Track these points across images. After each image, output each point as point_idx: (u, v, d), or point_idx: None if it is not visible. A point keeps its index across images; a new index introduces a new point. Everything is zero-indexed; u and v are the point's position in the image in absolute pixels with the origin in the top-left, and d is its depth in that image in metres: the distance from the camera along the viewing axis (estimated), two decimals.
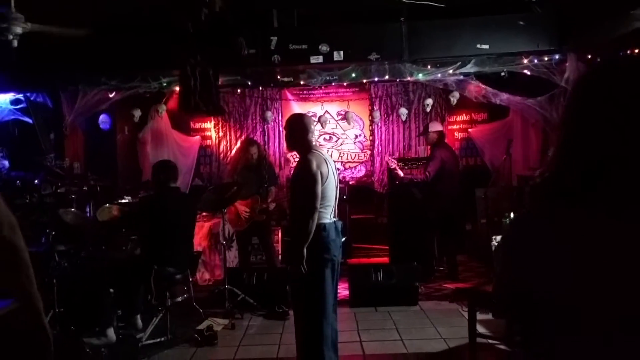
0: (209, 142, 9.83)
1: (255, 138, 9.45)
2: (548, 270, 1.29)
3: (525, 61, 6.56)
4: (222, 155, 9.77)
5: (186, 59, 5.29)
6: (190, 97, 5.27)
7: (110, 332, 5.26)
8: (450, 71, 6.79)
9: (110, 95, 7.19)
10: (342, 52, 6.32)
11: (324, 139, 9.53)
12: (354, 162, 9.78)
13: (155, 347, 5.24)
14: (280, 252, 8.40)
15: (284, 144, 9.48)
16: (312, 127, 4.46)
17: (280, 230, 8.57)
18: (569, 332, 1.26)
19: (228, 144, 9.74)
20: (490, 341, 5.04)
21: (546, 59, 6.47)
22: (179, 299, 5.92)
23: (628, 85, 1.32)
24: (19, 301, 1.79)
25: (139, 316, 5.64)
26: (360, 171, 9.78)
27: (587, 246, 1.24)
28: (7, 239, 1.75)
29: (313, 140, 4.41)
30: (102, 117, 8.29)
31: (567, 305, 1.26)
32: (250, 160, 7.12)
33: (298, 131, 4.35)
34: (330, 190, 4.22)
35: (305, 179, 4.12)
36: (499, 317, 5.43)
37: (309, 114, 7.72)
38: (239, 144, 8.82)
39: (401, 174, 7.68)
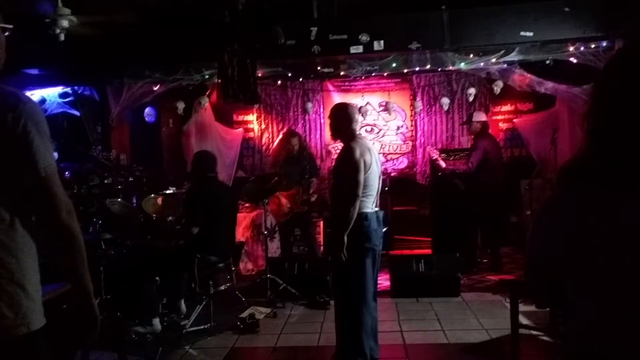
0: (251, 134, 9.92)
1: (296, 130, 9.49)
2: (573, 245, 1.34)
3: (571, 48, 6.39)
4: (264, 147, 9.85)
5: (224, 48, 5.35)
6: (228, 86, 5.33)
7: (156, 322, 5.38)
8: (494, 60, 6.68)
9: (155, 88, 7.34)
10: (382, 42, 6.28)
11: (366, 130, 9.49)
12: (396, 153, 9.72)
13: (198, 334, 5.33)
14: (322, 244, 8.45)
15: (326, 136, 9.52)
16: (357, 116, 4.46)
17: (322, 222, 8.60)
18: (592, 296, 1.34)
19: (270, 136, 9.81)
20: (533, 332, 4.97)
21: (593, 46, 6.30)
22: (222, 288, 6.01)
23: None
24: (71, 283, 1.92)
25: (182, 301, 5.77)
26: (403, 163, 9.72)
27: (612, 226, 1.28)
28: (65, 223, 1.83)
29: (357, 129, 4.42)
30: (148, 110, 8.45)
31: (589, 274, 1.33)
32: (292, 152, 7.16)
33: (342, 119, 4.36)
34: (373, 180, 4.22)
35: (348, 166, 4.13)
36: (541, 308, 5.34)
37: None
38: (280, 135, 8.87)
39: (443, 164, 7.61)
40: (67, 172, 6.68)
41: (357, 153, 4.11)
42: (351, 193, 4.07)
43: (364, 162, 4.12)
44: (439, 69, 7.73)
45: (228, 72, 5.30)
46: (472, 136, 7.85)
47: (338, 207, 4.21)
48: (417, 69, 7.25)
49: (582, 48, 6.34)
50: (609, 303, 1.30)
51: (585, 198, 1.32)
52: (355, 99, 9.40)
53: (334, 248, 4.13)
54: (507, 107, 9.47)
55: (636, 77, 1.31)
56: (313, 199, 7.39)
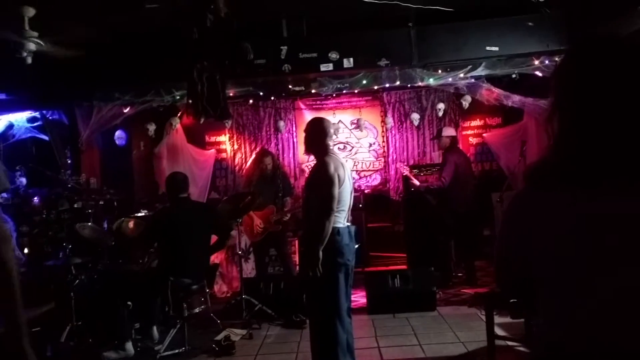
0: (224, 155, 9.89)
1: (269, 149, 9.48)
2: (540, 242, 1.37)
3: (536, 62, 6.53)
4: (237, 167, 9.82)
5: (193, 65, 5.35)
6: (198, 103, 5.32)
7: (129, 346, 5.29)
8: (461, 75, 6.78)
9: (125, 111, 7.28)
10: (351, 59, 6.34)
11: (338, 148, 9.52)
12: (369, 170, 9.77)
13: (173, 358, 5.25)
14: (297, 263, 8.40)
15: (299, 155, 9.53)
16: (331, 131, 4.47)
17: (297, 241, 8.56)
18: (559, 294, 1.36)
19: (243, 157, 9.80)
20: (509, 343, 5.00)
21: (557, 59, 6.43)
22: (197, 310, 5.92)
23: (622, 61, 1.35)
24: (6, 323, 1.78)
25: (155, 327, 5.68)
26: (376, 179, 9.77)
27: (578, 223, 1.31)
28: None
29: (331, 144, 4.43)
30: (118, 133, 8.38)
31: (556, 272, 1.35)
32: (265, 171, 7.14)
33: (317, 134, 4.36)
34: (346, 195, 4.23)
35: (322, 181, 4.13)
36: (517, 318, 5.38)
37: None
38: (253, 155, 8.85)
39: (417, 182, 7.66)
40: (35, 197, 6.57)
41: (332, 167, 4.12)
42: (326, 207, 4.07)
43: (338, 176, 4.13)
44: (409, 85, 7.81)
45: (197, 88, 5.29)
46: (442, 151, 7.92)
47: (312, 221, 4.19)
48: (387, 85, 7.31)
49: (546, 62, 6.47)
50: (576, 301, 1.31)
51: (551, 196, 1.35)
52: (327, 117, 9.43)
53: (309, 263, 4.10)
54: (476, 122, 9.60)
55: (585, 72, 1.36)
56: (287, 218, 7.36)
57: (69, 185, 6.57)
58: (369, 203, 9.03)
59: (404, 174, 7.82)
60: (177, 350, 5.33)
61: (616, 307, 1.26)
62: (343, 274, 4.18)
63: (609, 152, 1.30)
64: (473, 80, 6.98)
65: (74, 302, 5.12)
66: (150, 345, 5.55)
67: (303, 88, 7.17)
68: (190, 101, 5.47)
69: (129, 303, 5.49)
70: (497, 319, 4.83)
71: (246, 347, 5.55)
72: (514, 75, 6.92)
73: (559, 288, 1.34)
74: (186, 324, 5.49)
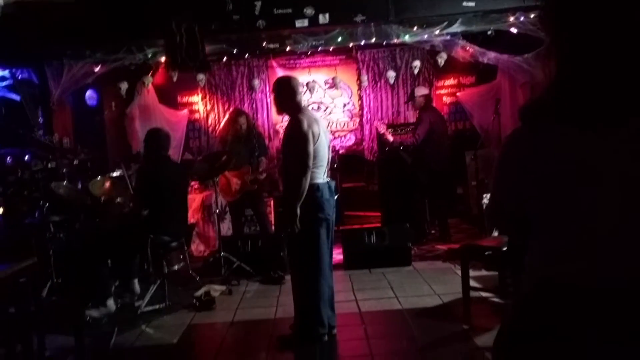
0: (197, 115, 9.78)
1: (243, 109, 9.42)
2: (536, 179, 1.38)
3: (512, 18, 6.53)
4: (210, 128, 9.73)
5: (170, 16, 5.25)
6: (176, 54, 5.24)
7: (110, 302, 5.32)
8: (437, 32, 6.77)
9: (96, 69, 7.13)
10: (327, 15, 6.27)
11: (312, 108, 9.49)
12: (343, 130, 9.78)
13: (153, 313, 5.29)
14: (273, 223, 8.44)
15: (273, 115, 9.48)
16: (300, 88, 4.48)
17: (272, 201, 8.59)
18: (551, 230, 1.38)
19: (216, 117, 9.70)
20: (483, 294, 5.14)
21: (532, 15, 6.44)
22: (176, 268, 5.97)
23: None
24: None
25: (136, 281, 5.71)
26: (350, 140, 9.79)
27: (577, 162, 1.32)
28: None
29: (301, 101, 4.43)
30: (89, 93, 8.23)
31: (550, 208, 1.36)
32: (239, 132, 7.09)
33: (286, 93, 4.35)
34: (322, 150, 4.25)
35: (297, 138, 4.14)
36: (491, 270, 5.53)
37: None
38: (227, 115, 8.78)
39: (391, 138, 7.71)
40: (8, 158, 6.44)
41: (305, 124, 4.13)
42: (302, 164, 4.09)
43: (312, 133, 4.14)
44: (384, 43, 7.78)
45: (176, 39, 5.21)
46: (417, 110, 7.96)
47: (290, 179, 4.21)
48: (363, 42, 7.28)
49: (521, 18, 6.48)
50: (573, 238, 1.35)
51: (546, 136, 1.35)
52: (301, 77, 9.38)
53: (288, 219, 4.14)
54: (450, 81, 9.64)
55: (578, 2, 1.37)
56: (262, 177, 7.36)
57: (43, 145, 6.45)
58: (344, 163, 9.07)
59: (380, 132, 7.85)
60: (157, 306, 5.38)
61: (613, 242, 1.30)
62: (324, 229, 4.24)
63: (604, 88, 1.31)
64: (449, 37, 6.98)
65: (53, 260, 5.09)
66: (130, 301, 5.57)
67: (277, 45, 7.09)
68: (168, 52, 5.37)
69: (109, 261, 5.50)
70: (472, 272, 4.94)
71: (226, 302, 5.61)
72: (489, 32, 6.95)
73: (555, 226, 1.37)
74: (166, 280, 5.52)
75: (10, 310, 3.62)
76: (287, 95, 4.35)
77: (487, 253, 4.93)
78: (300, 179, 4.09)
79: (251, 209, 7.46)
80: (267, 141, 9.30)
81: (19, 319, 3.73)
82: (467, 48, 7.34)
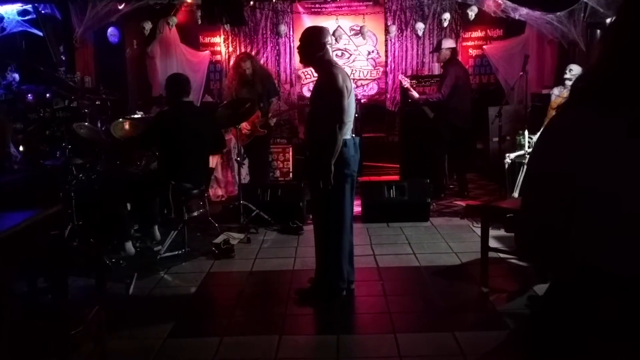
0: (218, 57, 9.63)
1: (265, 53, 9.30)
2: (595, 162, 1.31)
3: None
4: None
5: None
6: (213, 7, 5.08)
7: (129, 246, 5.38)
8: None
9: (120, 7, 7.02)
10: None
11: (336, 55, 9.31)
12: (366, 79, 9.63)
13: (173, 259, 5.35)
14: (291, 170, 8.46)
15: (295, 61, 9.32)
16: (329, 40, 4.35)
17: (291, 149, 8.57)
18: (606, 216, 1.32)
19: None
20: (501, 255, 5.12)
21: None
22: (195, 214, 5.99)
23: None
24: None
25: (156, 227, 5.76)
26: (373, 89, 9.65)
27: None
28: None
29: (331, 55, 4.33)
30: (111, 30, 8.11)
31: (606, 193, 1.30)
32: (245, 76, 7.01)
33: (317, 45, 4.21)
34: (352, 106, 4.18)
35: (333, 93, 4.05)
36: (511, 232, 5.50)
37: None
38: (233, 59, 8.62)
39: (416, 95, 7.57)
40: (29, 95, 6.42)
41: (340, 79, 4.04)
42: (337, 120, 4.02)
43: (346, 88, 4.07)
44: None
45: None
46: (441, 63, 7.80)
47: (323, 134, 4.11)
48: None
49: None
50: (622, 229, 1.30)
51: (607, 117, 1.29)
52: (327, 22, 9.17)
53: (321, 175, 4.09)
54: (477, 34, 9.40)
55: None
56: (272, 122, 7.30)
57: (65, 84, 6.40)
58: (365, 113, 8.96)
59: (404, 86, 7.71)
60: (176, 252, 5.43)
61: None
62: (349, 185, 4.22)
63: None
64: None
65: (74, 202, 5.13)
66: (150, 245, 5.64)
67: None
68: (204, 5, 5.18)
69: (128, 204, 5.55)
70: (491, 232, 4.92)
71: (244, 250, 5.65)
72: None
73: (604, 214, 1.33)
74: (186, 227, 5.56)
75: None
76: (317, 47, 4.20)
77: (508, 215, 4.90)
78: (335, 134, 4.02)
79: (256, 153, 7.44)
80: (288, 87, 9.23)
81: (43, 261, 3.78)
82: (499, 2, 7.11)
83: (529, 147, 6.09)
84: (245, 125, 6.94)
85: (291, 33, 9.34)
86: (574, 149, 1.34)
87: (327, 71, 4.14)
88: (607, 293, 1.31)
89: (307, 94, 8.66)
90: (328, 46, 4.26)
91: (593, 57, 1.40)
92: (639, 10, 1.31)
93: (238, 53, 9.08)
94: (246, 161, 7.55)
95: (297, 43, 4.75)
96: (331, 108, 4.05)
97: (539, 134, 1.50)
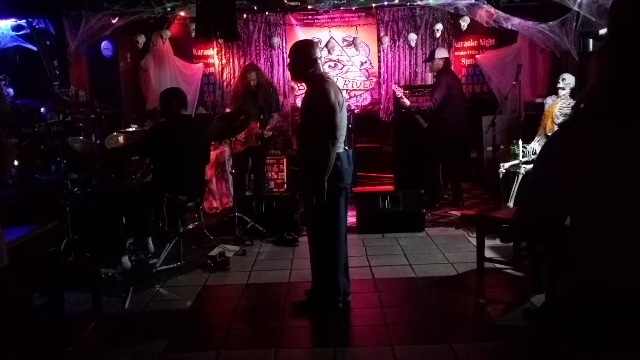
0: (211, 69, 9.67)
1: (259, 65, 9.32)
2: (591, 178, 1.35)
3: None
4: (225, 83, 9.64)
5: None
6: (207, 22, 5.09)
7: (125, 260, 5.36)
8: None
9: (114, 21, 7.04)
10: None
11: (329, 66, 9.37)
12: (359, 90, 9.67)
13: (168, 272, 5.33)
14: (286, 181, 8.47)
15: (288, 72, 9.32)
16: (319, 53, 4.32)
17: (285, 160, 8.59)
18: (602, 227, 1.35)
19: (231, 72, 9.60)
20: (497, 266, 5.14)
21: None
22: (190, 227, 5.99)
23: None
24: None
25: (150, 239, 5.74)
26: (366, 99, 9.69)
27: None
28: None
29: (322, 68, 4.33)
30: (105, 44, 8.13)
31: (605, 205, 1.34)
32: (249, 87, 7.06)
33: (307, 59, 4.18)
34: (344, 120, 4.18)
35: (325, 110, 4.02)
36: (507, 242, 5.52)
37: (315, 40, 7.59)
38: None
39: (408, 103, 7.60)
40: (23, 109, 6.41)
41: (332, 95, 4.02)
42: (331, 137, 4.01)
43: (338, 103, 4.06)
44: (407, 3, 7.60)
45: (207, 6, 5.03)
46: (434, 73, 7.84)
47: (315, 150, 4.10)
48: (386, 2, 7.11)
49: None
50: (619, 238, 1.32)
51: (602, 137, 1.32)
52: (319, 34, 9.24)
53: (314, 191, 4.09)
54: (469, 43, 9.47)
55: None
56: (268, 135, 7.32)
57: (59, 98, 6.39)
58: (358, 123, 9.01)
59: (397, 96, 7.74)
60: (172, 265, 5.43)
61: None
62: (343, 198, 4.23)
63: None
64: (473, 0, 6.81)
65: (69, 217, 5.12)
66: (145, 259, 5.62)
67: (298, 3, 6.95)
68: (199, 19, 5.19)
69: (123, 218, 5.53)
70: (487, 242, 4.94)
71: (240, 263, 5.64)
72: None
73: (600, 230, 1.35)
74: (181, 240, 5.55)
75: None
76: (308, 63, 4.18)
77: (503, 226, 4.93)
78: (329, 151, 4.02)
79: (251, 162, 7.45)
80: (282, 98, 9.25)
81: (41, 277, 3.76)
82: (492, 12, 7.16)
83: (523, 157, 6.11)
84: (240, 135, 6.95)
85: (284, 45, 9.38)
86: (576, 167, 1.37)
87: (319, 86, 4.11)
88: (611, 309, 1.33)
89: None
90: (318, 62, 4.23)
91: (591, 76, 1.42)
92: (635, 34, 1.33)
93: (240, 64, 9.23)
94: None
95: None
96: (323, 124, 4.03)
97: (539, 150, 1.53)
